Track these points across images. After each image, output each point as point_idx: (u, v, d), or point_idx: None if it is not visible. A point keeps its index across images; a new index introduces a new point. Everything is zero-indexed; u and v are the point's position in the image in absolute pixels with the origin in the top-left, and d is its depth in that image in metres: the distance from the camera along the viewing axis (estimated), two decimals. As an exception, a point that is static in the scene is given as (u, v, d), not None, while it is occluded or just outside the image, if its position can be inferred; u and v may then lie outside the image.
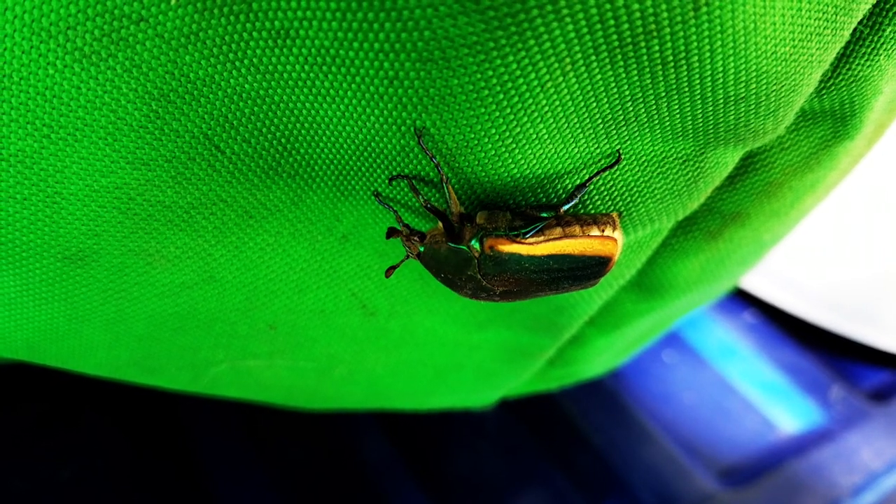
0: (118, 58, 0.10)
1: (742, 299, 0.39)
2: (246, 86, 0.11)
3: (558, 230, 0.12)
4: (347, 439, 0.27)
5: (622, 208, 0.13)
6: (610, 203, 0.13)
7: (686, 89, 0.10)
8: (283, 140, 0.12)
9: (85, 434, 0.25)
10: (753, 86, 0.11)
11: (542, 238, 0.12)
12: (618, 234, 0.13)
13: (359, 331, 0.16)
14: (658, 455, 0.30)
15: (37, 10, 0.10)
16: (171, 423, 0.27)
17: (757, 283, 0.36)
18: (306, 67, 0.10)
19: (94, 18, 0.10)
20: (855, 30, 0.12)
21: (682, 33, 0.09)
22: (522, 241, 0.12)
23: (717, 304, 0.37)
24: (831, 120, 0.13)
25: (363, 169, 0.12)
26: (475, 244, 0.12)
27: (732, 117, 0.11)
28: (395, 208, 0.13)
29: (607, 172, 0.12)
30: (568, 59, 0.10)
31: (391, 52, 0.10)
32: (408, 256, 0.13)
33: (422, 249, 0.13)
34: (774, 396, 0.34)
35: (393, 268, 0.13)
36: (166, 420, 0.27)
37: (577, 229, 0.12)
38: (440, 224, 0.13)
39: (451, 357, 0.18)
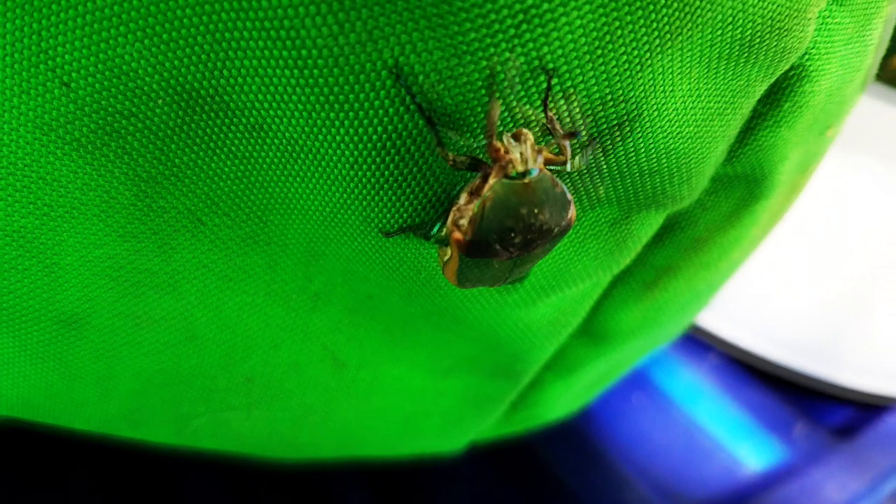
0: (111, 146, 0.12)
1: (706, 341, 0.40)
2: (225, 168, 0.12)
3: None
4: (329, 491, 0.27)
5: (561, 265, 0.14)
6: (551, 261, 0.14)
7: (604, 167, 0.12)
8: (258, 213, 0.13)
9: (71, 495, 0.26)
10: (664, 160, 0.12)
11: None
12: None
13: (331, 381, 0.17)
14: (631, 496, 0.30)
15: (40, 108, 0.12)
16: (158, 483, 0.27)
17: (720, 325, 0.37)
18: (278, 154, 0.12)
19: (90, 114, 0.11)
20: (755, 108, 0.14)
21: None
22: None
23: (683, 347, 0.39)
24: (745, 183, 0.15)
25: (330, 236, 0.14)
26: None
27: (650, 187, 0.13)
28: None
29: None
30: None
31: (350, 143, 0.11)
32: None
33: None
34: (740, 435, 0.35)
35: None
36: (152, 480, 0.27)
37: None
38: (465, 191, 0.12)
39: (419, 403, 0.19)
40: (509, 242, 0.12)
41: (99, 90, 0.11)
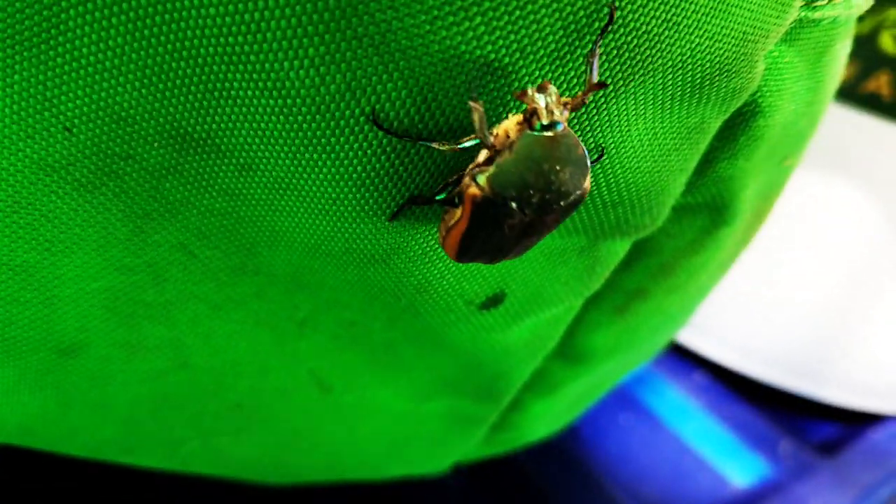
0: (109, 186, 0.13)
1: (692, 361, 0.41)
2: (216, 205, 0.13)
3: None
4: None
5: (534, 291, 0.15)
6: (524, 287, 0.15)
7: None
8: (247, 245, 0.14)
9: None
10: (625, 193, 0.13)
11: None
12: None
13: (317, 405, 0.18)
14: (619, 517, 0.31)
15: (43, 151, 0.12)
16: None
17: (705, 344, 0.38)
18: (266, 191, 0.13)
19: (91, 157, 0.12)
20: (712, 142, 0.15)
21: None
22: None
23: (669, 367, 0.39)
24: (707, 211, 0.16)
25: (315, 266, 0.14)
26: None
27: (613, 217, 0.14)
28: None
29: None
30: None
31: (332, 180, 0.12)
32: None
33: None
34: (727, 453, 0.35)
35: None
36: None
37: None
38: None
39: (404, 426, 0.20)
40: (527, 201, 0.11)
41: (99, 135, 0.12)
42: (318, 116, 0.11)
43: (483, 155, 0.11)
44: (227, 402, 0.17)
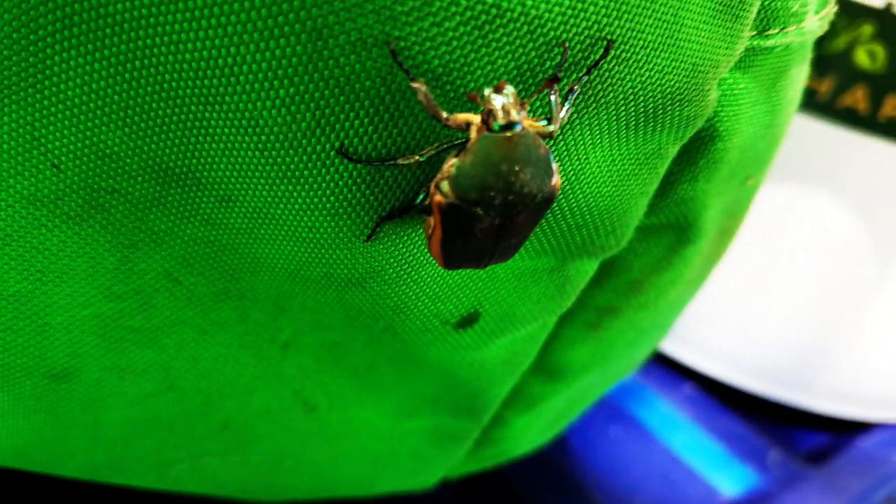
0: (96, 218, 0.13)
1: (681, 373, 0.41)
2: (199, 234, 0.14)
3: None
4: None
5: (508, 310, 0.16)
6: (498, 306, 0.16)
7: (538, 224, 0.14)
8: (230, 271, 0.15)
9: None
10: (588, 216, 0.14)
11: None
12: None
13: (302, 425, 0.19)
14: (610, 530, 0.31)
15: (33, 186, 0.13)
16: None
17: (694, 357, 0.38)
18: (247, 220, 0.13)
19: (78, 191, 0.13)
20: (671, 166, 0.15)
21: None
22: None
23: (658, 380, 0.39)
24: (672, 230, 0.17)
25: (296, 290, 0.15)
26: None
27: (579, 239, 0.15)
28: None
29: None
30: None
31: (308, 210, 0.13)
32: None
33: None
34: (716, 464, 0.35)
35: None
36: None
37: None
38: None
39: (388, 444, 0.20)
40: (489, 204, 0.11)
41: (85, 171, 0.13)
42: (290, 151, 0.12)
43: (447, 164, 0.11)
44: (214, 423, 0.18)
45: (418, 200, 0.12)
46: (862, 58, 0.28)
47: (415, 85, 0.10)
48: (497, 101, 0.10)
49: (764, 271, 0.35)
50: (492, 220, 0.12)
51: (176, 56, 0.11)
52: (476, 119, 0.11)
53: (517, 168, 0.11)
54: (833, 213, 0.33)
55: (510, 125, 0.11)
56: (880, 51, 0.27)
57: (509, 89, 0.11)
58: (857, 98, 0.29)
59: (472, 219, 0.12)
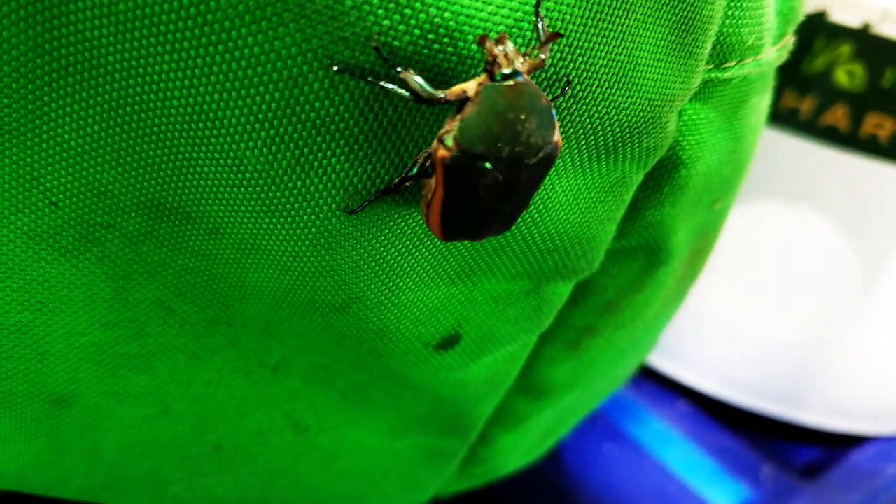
0: (93, 251, 0.14)
1: (674, 390, 0.41)
2: (190, 264, 0.15)
3: None
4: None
5: (487, 331, 0.17)
6: (478, 328, 0.17)
7: (509, 249, 0.15)
8: (220, 299, 0.16)
9: None
10: (558, 241, 0.15)
11: None
12: None
13: (293, 446, 0.19)
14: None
15: (32, 223, 0.14)
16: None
17: (686, 374, 0.38)
18: (234, 251, 0.14)
19: (75, 226, 0.14)
20: (636, 193, 0.16)
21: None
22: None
23: (652, 397, 0.40)
24: (643, 253, 0.17)
25: (283, 315, 0.16)
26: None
27: (551, 262, 0.15)
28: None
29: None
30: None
31: (291, 240, 0.14)
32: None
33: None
34: (710, 480, 0.35)
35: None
36: None
37: None
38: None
39: (378, 463, 0.21)
40: (497, 156, 0.11)
41: (81, 207, 0.14)
42: (273, 187, 0.13)
43: (448, 122, 0.11)
44: (208, 445, 0.19)
45: (412, 172, 0.12)
46: (842, 77, 0.29)
47: (403, 74, 0.11)
48: (500, 51, 0.11)
49: (753, 288, 0.35)
50: (496, 176, 0.11)
51: (164, 102, 0.12)
52: (471, 84, 0.11)
53: (523, 116, 0.11)
54: (818, 228, 0.33)
55: (514, 73, 0.11)
56: (859, 70, 0.28)
57: (509, 42, 0.11)
58: (838, 116, 0.30)
59: (477, 174, 0.11)
